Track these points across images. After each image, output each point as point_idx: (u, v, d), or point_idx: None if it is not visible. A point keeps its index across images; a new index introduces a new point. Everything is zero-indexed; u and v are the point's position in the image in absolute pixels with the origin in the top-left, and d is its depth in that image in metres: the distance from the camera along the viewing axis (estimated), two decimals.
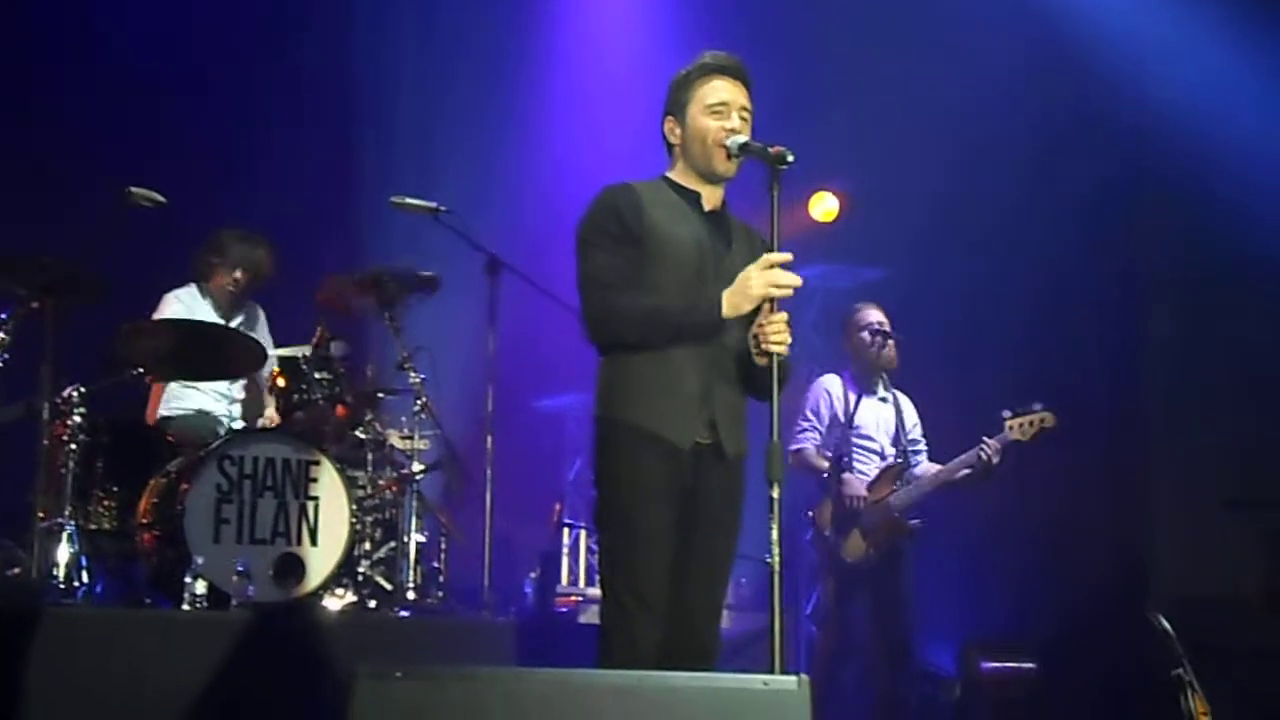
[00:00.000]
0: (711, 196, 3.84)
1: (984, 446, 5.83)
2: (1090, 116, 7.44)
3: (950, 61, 7.47)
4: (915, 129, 7.53)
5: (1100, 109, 7.41)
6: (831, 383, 6.26)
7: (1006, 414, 5.85)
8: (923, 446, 6.27)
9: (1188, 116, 7.05)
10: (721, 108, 3.77)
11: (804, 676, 3.08)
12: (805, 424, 6.25)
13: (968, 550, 7.30)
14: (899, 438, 6.19)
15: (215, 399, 6.01)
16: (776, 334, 3.55)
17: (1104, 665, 6.79)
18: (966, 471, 5.92)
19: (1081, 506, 7.46)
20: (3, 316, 5.00)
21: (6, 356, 4.93)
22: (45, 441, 5.00)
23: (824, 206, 7.87)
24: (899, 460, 6.14)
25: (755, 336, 3.60)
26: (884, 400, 6.24)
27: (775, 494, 3.50)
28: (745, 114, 3.79)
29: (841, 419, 6.15)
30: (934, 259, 7.56)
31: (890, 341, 6.15)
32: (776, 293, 3.56)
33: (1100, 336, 7.51)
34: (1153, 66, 7.22)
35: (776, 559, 3.50)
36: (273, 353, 5.85)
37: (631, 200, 3.74)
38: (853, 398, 6.18)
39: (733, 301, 3.59)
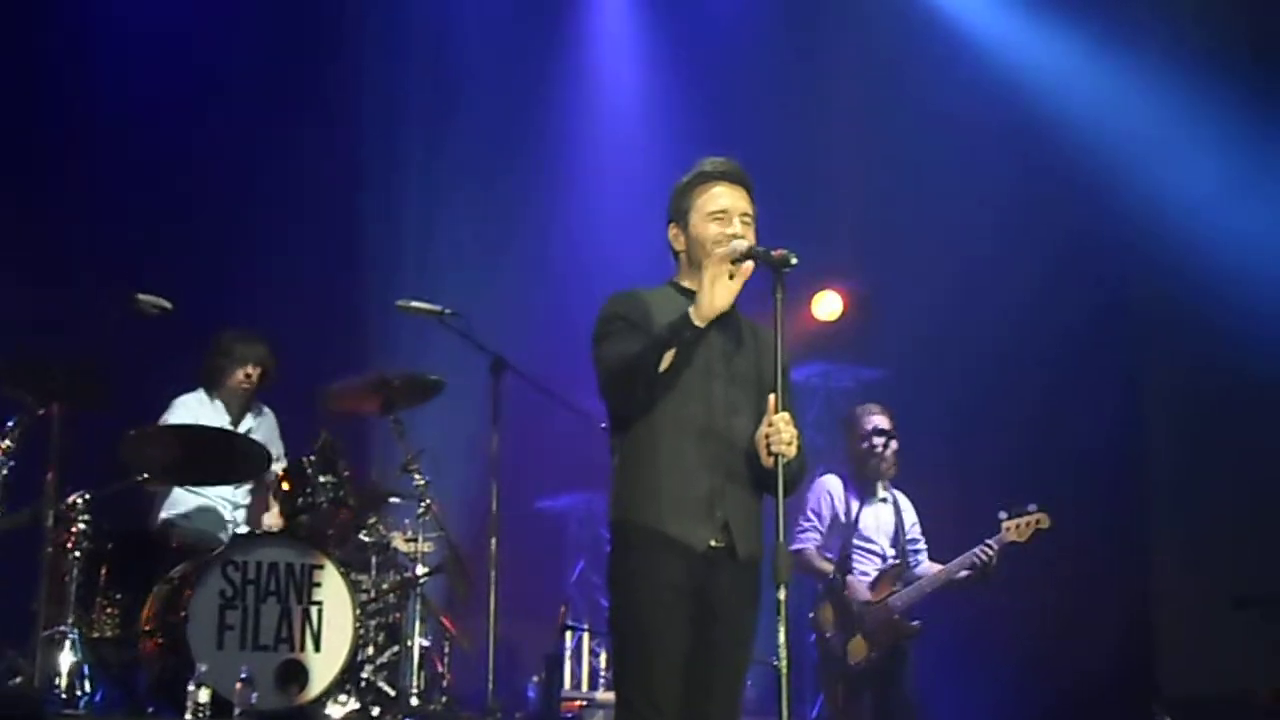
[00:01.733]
0: None
1: (983, 549, 5.84)
2: (1093, 231, 7.56)
3: (955, 170, 7.62)
4: (920, 236, 7.66)
5: (1102, 224, 7.53)
6: (832, 483, 6.26)
7: (1003, 515, 5.86)
8: (922, 546, 6.27)
9: (1188, 232, 7.18)
10: (722, 214, 3.80)
11: None
12: (806, 524, 6.24)
13: (966, 648, 7.25)
14: (898, 538, 6.19)
15: (219, 503, 6.00)
16: (781, 436, 3.58)
17: None
18: (966, 573, 5.92)
19: (1083, 605, 7.43)
20: (9, 424, 5.02)
21: (11, 463, 4.94)
22: (49, 549, 5.00)
23: (827, 306, 7.92)
24: (899, 561, 6.13)
25: (765, 438, 3.61)
26: (884, 501, 6.24)
27: (782, 596, 3.50)
28: (747, 218, 3.82)
29: (842, 519, 6.14)
30: (935, 362, 7.60)
31: (892, 445, 6.16)
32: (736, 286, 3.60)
33: (1101, 438, 7.54)
34: (1154, 184, 7.35)
35: (784, 662, 3.48)
36: (278, 466, 5.84)
37: (638, 306, 3.78)
38: (853, 499, 6.18)
39: (701, 314, 3.63)
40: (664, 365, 3.66)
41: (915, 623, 6.00)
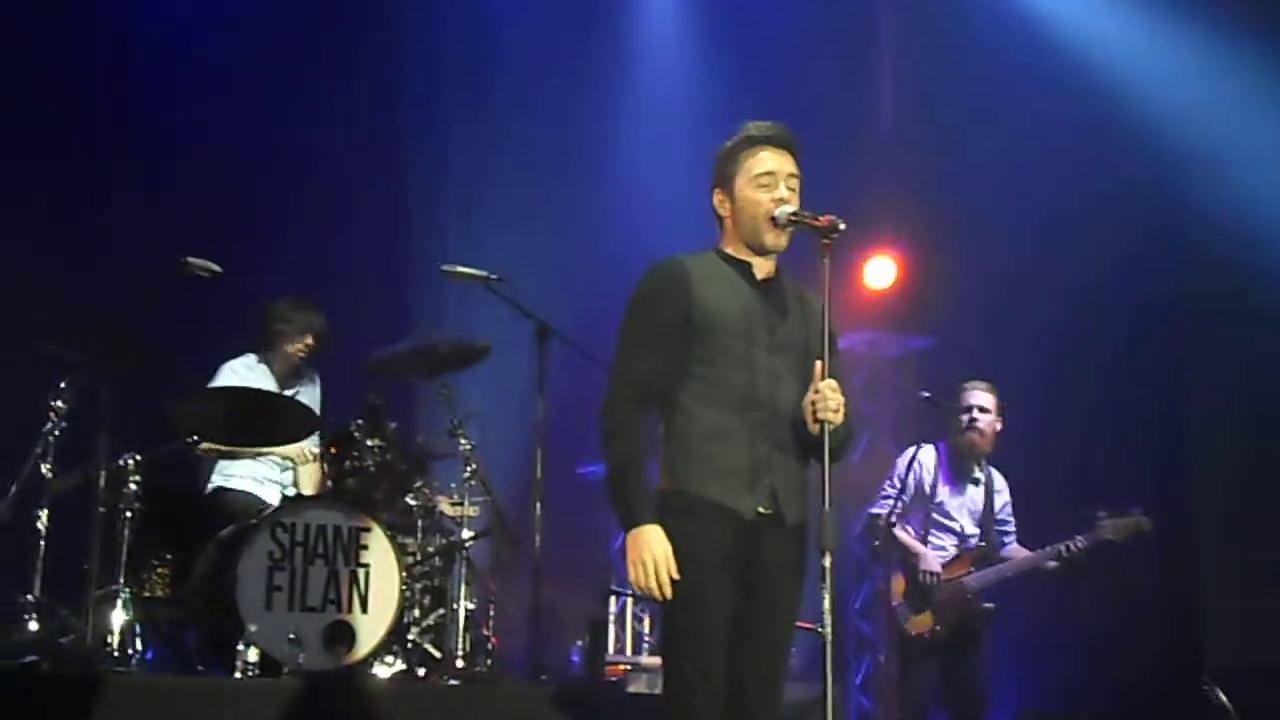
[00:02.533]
0: (764, 265, 3.83)
1: (1074, 542, 5.76)
2: (1152, 212, 7.45)
3: (1013, 143, 7.52)
4: (974, 207, 7.57)
5: (1163, 205, 7.42)
6: (925, 454, 6.13)
7: (1101, 514, 5.76)
8: (1011, 529, 6.15)
9: (1246, 219, 7.07)
10: (768, 179, 3.75)
11: None
12: (889, 489, 6.13)
13: (1021, 621, 7.20)
14: (985, 519, 6.10)
15: (269, 466, 6.05)
16: (828, 403, 3.56)
17: None
18: (1053, 564, 5.84)
19: (1134, 580, 7.37)
20: (60, 385, 5.08)
21: (64, 424, 4.99)
22: (101, 509, 5.06)
23: (880, 273, 7.81)
24: (983, 544, 6.05)
25: (811, 404, 3.60)
26: (975, 481, 6.13)
27: (827, 563, 3.50)
28: (793, 182, 3.77)
29: (926, 491, 6.07)
30: (984, 332, 7.53)
31: (990, 422, 6.05)
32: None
33: (1147, 419, 7.47)
34: (1205, 177, 7.24)
35: (829, 629, 3.48)
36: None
37: (679, 279, 3.74)
38: (943, 474, 6.09)
39: (631, 558, 3.60)
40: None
41: (988, 605, 5.94)
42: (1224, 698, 5.93)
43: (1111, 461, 7.06)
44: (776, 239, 3.77)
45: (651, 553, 3.57)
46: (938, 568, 5.91)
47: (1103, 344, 7.48)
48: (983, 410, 6.04)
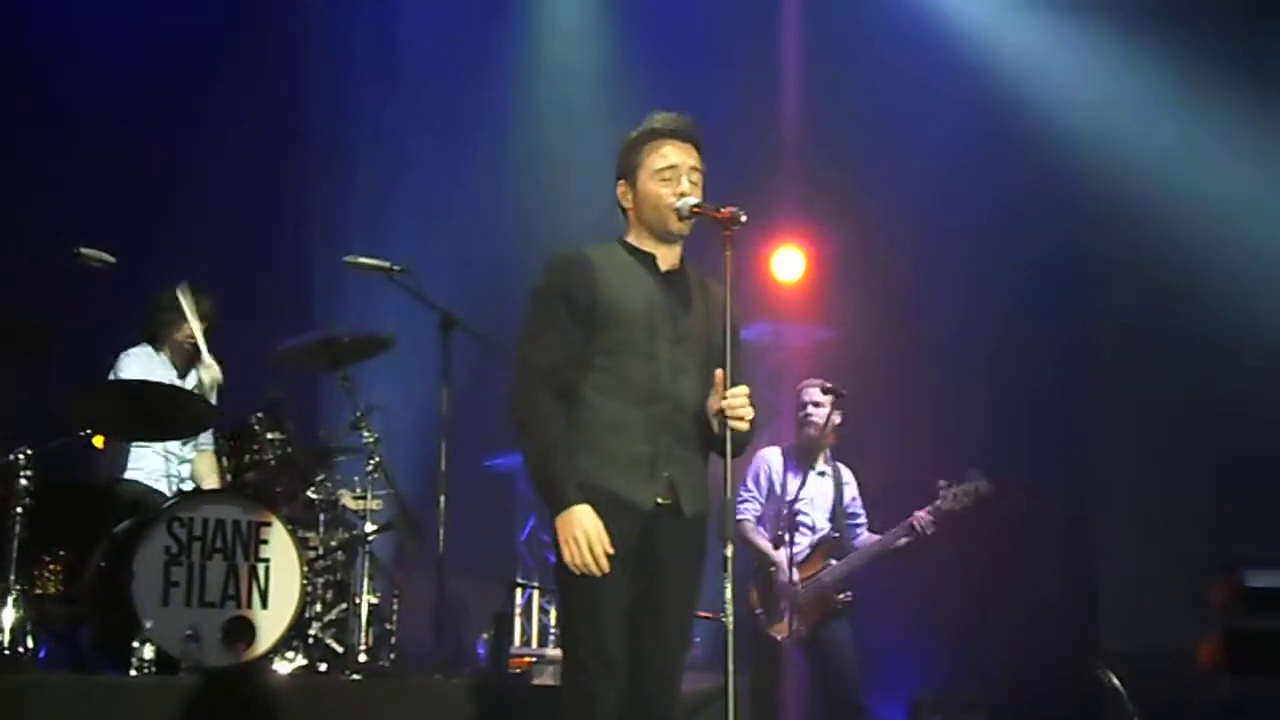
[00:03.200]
0: (668, 256, 3.84)
1: (915, 519, 5.88)
2: (1043, 191, 7.62)
3: (909, 131, 7.65)
4: (872, 197, 7.66)
5: (1053, 182, 7.59)
6: (771, 455, 6.28)
7: (942, 483, 5.88)
8: (862, 520, 6.28)
9: (1137, 189, 7.26)
10: (670, 172, 3.75)
11: None
12: (746, 494, 6.25)
13: (914, 605, 7.33)
14: (835, 512, 6.21)
15: (166, 459, 5.94)
16: (738, 410, 3.58)
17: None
18: (905, 539, 5.96)
19: (1030, 561, 7.52)
20: None
21: None
22: None
23: (789, 265, 7.87)
24: (834, 535, 6.15)
25: (719, 412, 3.62)
26: (823, 474, 6.25)
27: (729, 552, 3.52)
28: (695, 176, 3.77)
29: (778, 491, 6.16)
30: (887, 323, 7.65)
31: (827, 416, 6.14)
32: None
33: (1046, 400, 7.63)
34: (1107, 141, 7.42)
35: (730, 617, 3.51)
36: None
37: (583, 269, 3.74)
38: (791, 472, 6.20)
39: (563, 537, 3.59)
40: None
41: (843, 596, 6.03)
42: (1115, 680, 6.07)
43: (1014, 443, 7.18)
44: (680, 227, 3.79)
45: (584, 528, 3.58)
46: (794, 576, 5.97)
47: (998, 326, 7.62)
48: (816, 405, 6.18)
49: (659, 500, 3.69)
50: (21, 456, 5.11)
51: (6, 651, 4.87)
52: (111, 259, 5.26)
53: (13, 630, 4.89)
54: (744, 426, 3.60)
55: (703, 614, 6.35)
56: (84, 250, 5.21)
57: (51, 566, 5.25)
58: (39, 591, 5.17)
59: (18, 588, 4.96)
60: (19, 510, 5.05)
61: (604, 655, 3.60)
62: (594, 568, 3.58)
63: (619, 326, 3.71)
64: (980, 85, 7.68)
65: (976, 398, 7.55)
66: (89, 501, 5.53)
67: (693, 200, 3.74)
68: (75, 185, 7.02)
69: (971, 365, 7.61)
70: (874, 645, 6.27)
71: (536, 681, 6.31)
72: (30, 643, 4.97)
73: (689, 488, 3.73)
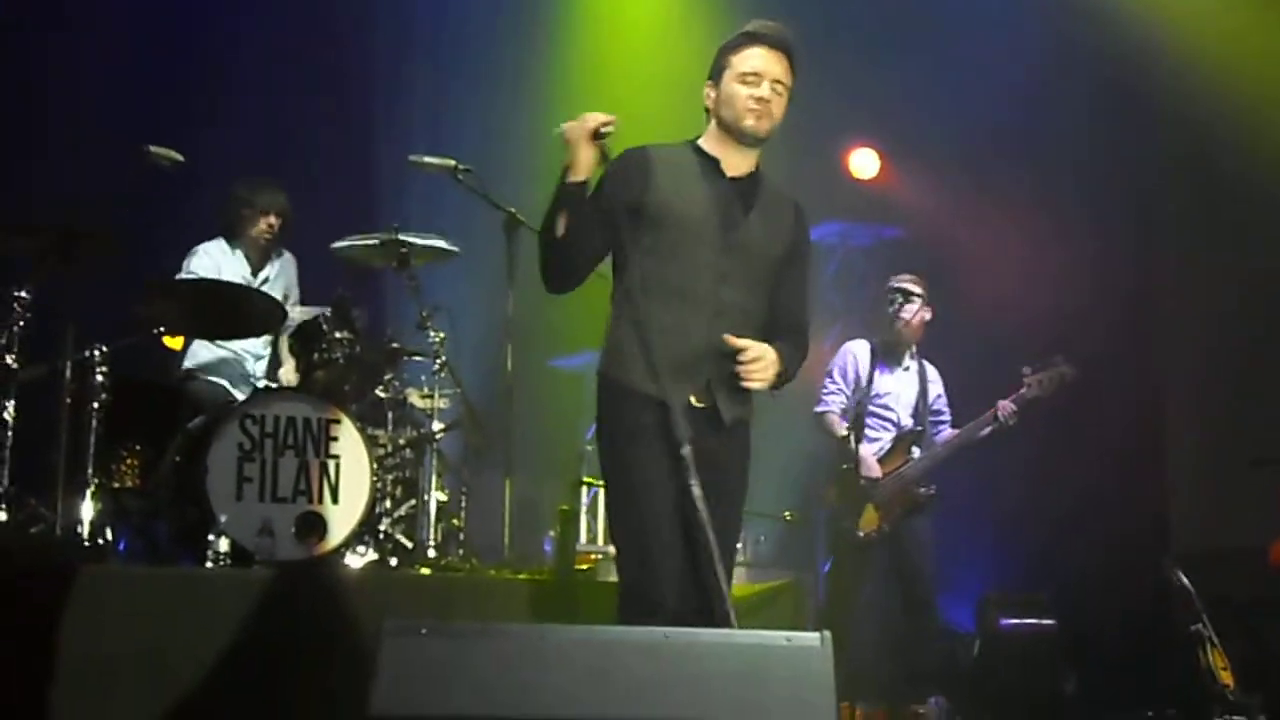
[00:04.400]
0: (739, 163, 3.81)
1: (999, 408, 5.86)
2: (1119, 87, 7.44)
3: (983, 33, 7.49)
4: (942, 96, 7.52)
5: (1128, 79, 7.40)
6: (858, 348, 6.24)
7: (1026, 370, 5.86)
8: (946, 417, 6.25)
9: (1206, 95, 7.04)
10: (753, 77, 3.73)
11: (827, 633, 3.08)
12: (832, 385, 6.23)
13: (985, 507, 7.32)
14: (919, 408, 6.16)
15: (240, 356, 6.03)
16: (755, 373, 3.64)
17: (1123, 620, 6.81)
18: (988, 429, 5.93)
19: (1101, 462, 7.47)
20: (24, 277, 5.01)
21: (29, 315, 4.94)
22: (68, 400, 5.02)
23: (864, 163, 7.85)
24: (917, 429, 6.12)
25: (737, 373, 3.65)
26: (907, 370, 6.20)
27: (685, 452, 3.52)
28: (779, 87, 3.75)
29: (862, 385, 6.13)
30: (954, 221, 7.54)
31: (916, 310, 6.08)
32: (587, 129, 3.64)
33: (1119, 297, 7.52)
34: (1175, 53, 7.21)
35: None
36: (295, 312, 5.86)
37: (640, 167, 3.73)
38: (877, 366, 6.15)
39: (567, 161, 3.68)
40: (560, 230, 3.69)
41: (925, 490, 6.01)
42: (1185, 580, 6.05)
43: (1089, 341, 7.12)
44: (756, 127, 3.75)
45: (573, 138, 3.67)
46: (876, 472, 5.95)
47: (1075, 224, 7.51)
48: (908, 298, 6.10)
49: (693, 401, 3.69)
50: (97, 354, 5.19)
51: (87, 544, 5.00)
52: (180, 157, 5.29)
53: (93, 523, 5.00)
54: (763, 385, 3.64)
55: (767, 513, 6.46)
56: (153, 148, 5.24)
57: (128, 461, 5.35)
58: (117, 485, 5.27)
59: (96, 481, 5.07)
60: (95, 406, 5.13)
61: (647, 547, 3.61)
62: (592, 122, 3.65)
63: (664, 229, 3.71)
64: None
65: (1048, 294, 7.46)
66: (163, 398, 5.62)
67: (594, 123, 3.69)
68: (142, 85, 7.04)
69: (1042, 262, 7.50)
70: (942, 546, 6.27)
71: (601, 578, 6.39)
72: (110, 535, 5.09)
73: (728, 395, 3.72)
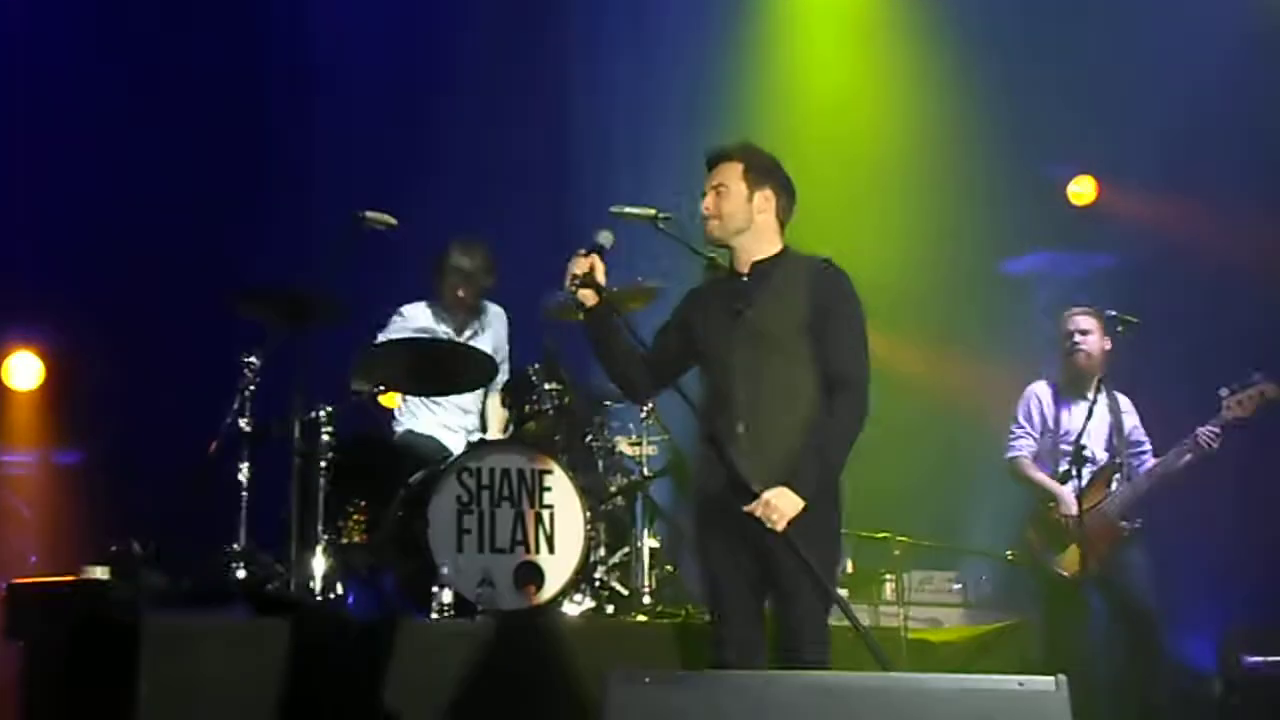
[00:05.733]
0: (743, 259, 4.21)
1: (1199, 434, 5.62)
2: None
3: (1182, 49, 7.22)
4: (1148, 119, 7.32)
5: None
6: (1040, 390, 6.13)
7: (1224, 392, 5.63)
8: (1147, 447, 6.02)
9: None
10: (704, 193, 4.25)
11: (1062, 677, 2.98)
12: (1019, 431, 6.10)
13: (1218, 534, 6.97)
14: (1113, 441, 5.96)
15: (452, 411, 6.18)
16: (777, 520, 3.93)
17: None
18: (1188, 458, 5.68)
19: None
20: (255, 344, 5.27)
21: (259, 380, 5.18)
22: (297, 460, 5.23)
23: (1082, 190, 7.84)
24: (1114, 463, 5.91)
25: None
26: (1094, 403, 6.00)
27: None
28: (720, 188, 4.19)
29: (1050, 426, 5.99)
30: (1167, 247, 7.29)
31: (1082, 350, 5.94)
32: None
33: None
34: None
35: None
36: (503, 363, 5.99)
37: (684, 301, 4.39)
38: (1062, 405, 6.01)
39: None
40: (601, 352, 4.32)
41: (1129, 524, 5.79)
42: None
43: None
44: (717, 236, 4.26)
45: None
46: (1075, 509, 5.75)
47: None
48: (1083, 333, 5.97)
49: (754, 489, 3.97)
50: (323, 414, 5.40)
51: (319, 598, 5.18)
52: (393, 221, 5.48)
53: (324, 578, 5.19)
54: (779, 527, 3.91)
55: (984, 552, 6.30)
56: (367, 214, 5.44)
57: (354, 517, 5.53)
58: (344, 541, 5.46)
59: (326, 537, 5.27)
60: (323, 464, 5.34)
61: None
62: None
63: (695, 347, 4.22)
64: None
65: (1264, 320, 7.12)
66: (384, 455, 5.80)
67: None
68: (355, 155, 7.35)
69: (1256, 287, 7.17)
70: (1173, 580, 6.00)
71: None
72: (340, 589, 5.27)
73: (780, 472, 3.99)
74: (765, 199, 4.17)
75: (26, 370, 7.37)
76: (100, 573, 5.20)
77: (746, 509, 3.94)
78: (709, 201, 4.21)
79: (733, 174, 4.19)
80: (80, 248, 7.21)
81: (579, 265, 4.17)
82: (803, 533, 3.92)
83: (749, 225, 4.17)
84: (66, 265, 7.20)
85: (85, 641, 4.84)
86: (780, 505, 3.93)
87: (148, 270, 7.10)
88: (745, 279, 4.18)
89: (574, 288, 4.19)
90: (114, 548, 5.26)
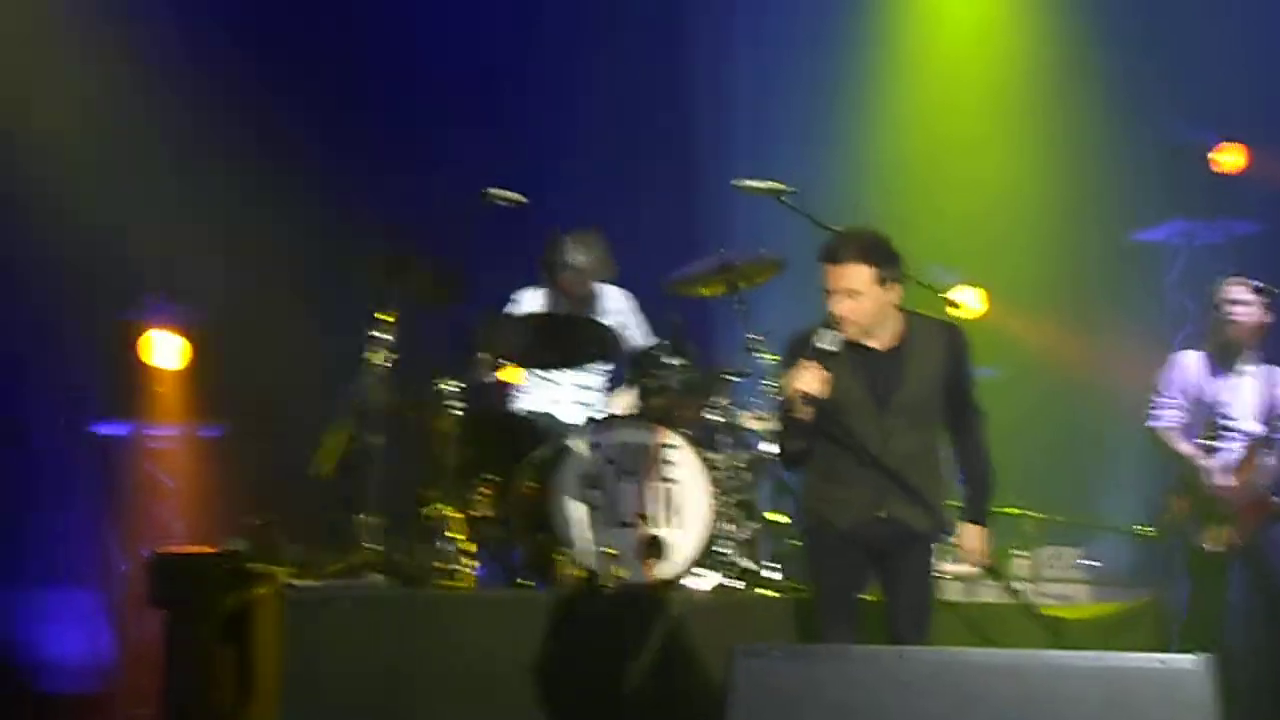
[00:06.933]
0: (882, 336, 4.27)
1: None
2: None
3: None
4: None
5: None
6: (1187, 358, 5.94)
7: None
8: None
9: None
10: (831, 295, 4.25)
11: (1205, 655, 2.91)
12: (1165, 400, 5.93)
13: None
14: (1267, 413, 5.78)
15: (576, 387, 6.22)
16: (978, 560, 4.42)
17: None
18: None
19: None
20: (385, 318, 5.37)
21: (396, 356, 5.29)
22: (427, 434, 5.32)
23: (1231, 157, 7.63)
24: (1267, 435, 5.73)
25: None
26: (1246, 375, 5.83)
27: None
28: (855, 295, 4.20)
29: (1199, 396, 5.83)
30: None
31: (1234, 320, 5.76)
32: None
33: None
34: None
35: None
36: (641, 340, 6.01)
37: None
38: (1212, 375, 5.83)
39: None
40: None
41: (1278, 499, 5.62)
42: None
43: None
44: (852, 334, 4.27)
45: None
46: (1224, 478, 5.58)
47: None
48: (1235, 303, 5.80)
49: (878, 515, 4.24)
50: (451, 388, 5.48)
51: (448, 570, 5.26)
52: (522, 198, 5.53)
53: (454, 550, 5.27)
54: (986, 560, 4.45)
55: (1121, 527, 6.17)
56: (494, 191, 5.50)
57: (483, 491, 5.59)
58: (473, 514, 5.54)
59: (455, 511, 5.34)
60: (452, 439, 5.42)
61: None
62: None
63: (838, 409, 4.26)
64: None
65: None
66: (510, 429, 5.87)
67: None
68: (483, 134, 7.43)
69: None
70: None
71: (941, 598, 6.24)
72: (470, 560, 5.35)
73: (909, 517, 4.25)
74: (895, 292, 4.28)
75: (171, 348, 7.58)
76: (241, 544, 5.35)
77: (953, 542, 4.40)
78: (846, 308, 4.23)
79: (863, 279, 4.23)
80: (222, 228, 7.41)
81: (807, 382, 4.13)
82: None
83: (885, 317, 4.28)
84: (212, 244, 7.40)
85: (226, 610, 4.99)
86: (973, 546, 4.39)
87: (287, 248, 7.28)
88: (884, 357, 4.29)
89: (801, 403, 4.14)
90: (256, 520, 5.42)
